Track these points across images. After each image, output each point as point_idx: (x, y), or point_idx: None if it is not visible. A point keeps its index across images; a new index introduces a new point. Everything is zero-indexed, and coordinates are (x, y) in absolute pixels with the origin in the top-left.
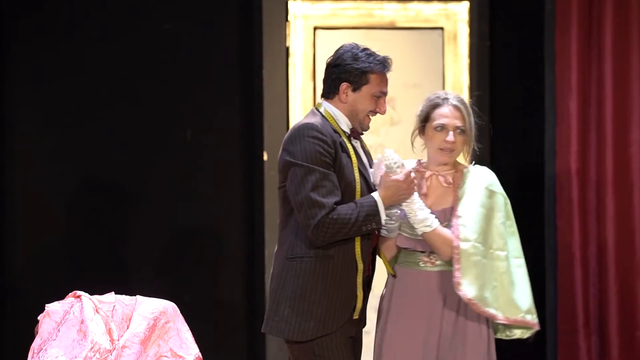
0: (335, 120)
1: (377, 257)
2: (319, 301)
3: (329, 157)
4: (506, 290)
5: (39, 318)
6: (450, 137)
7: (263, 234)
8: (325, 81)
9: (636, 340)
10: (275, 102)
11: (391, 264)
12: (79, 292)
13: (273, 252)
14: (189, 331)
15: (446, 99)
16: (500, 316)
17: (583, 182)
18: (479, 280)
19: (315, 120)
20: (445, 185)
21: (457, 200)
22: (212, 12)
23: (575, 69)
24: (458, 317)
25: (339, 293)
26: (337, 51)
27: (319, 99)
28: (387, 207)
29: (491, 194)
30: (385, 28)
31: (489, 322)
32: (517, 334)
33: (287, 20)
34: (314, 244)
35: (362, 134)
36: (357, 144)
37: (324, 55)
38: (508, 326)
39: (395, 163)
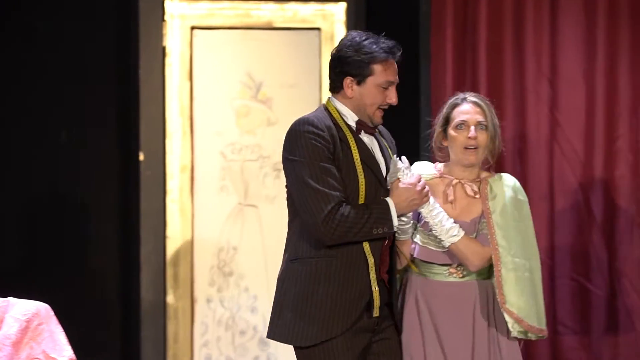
0: (339, 114)
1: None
2: (321, 304)
3: (327, 150)
4: (540, 301)
5: None
6: (472, 132)
7: (139, 234)
8: (329, 75)
9: None
10: (152, 102)
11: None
12: None
13: (149, 252)
14: (63, 333)
15: (465, 97)
16: (543, 328)
17: None
18: (523, 295)
19: (313, 114)
20: (471, 194)
21: (489, 212)
22: (88, 11)
23: (450, 69)
24: (490, 328)
25: (345, 293)
26: (340, 41)
27: (328, 94)
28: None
29: (521, 204)
30: (262, 28)
31: None
32: (532, 337)
33: (163, 20)
34: (324, 241)
35: (376, 128)
36: (371, 140)
37: (201, 55)
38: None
39: (407, 169)
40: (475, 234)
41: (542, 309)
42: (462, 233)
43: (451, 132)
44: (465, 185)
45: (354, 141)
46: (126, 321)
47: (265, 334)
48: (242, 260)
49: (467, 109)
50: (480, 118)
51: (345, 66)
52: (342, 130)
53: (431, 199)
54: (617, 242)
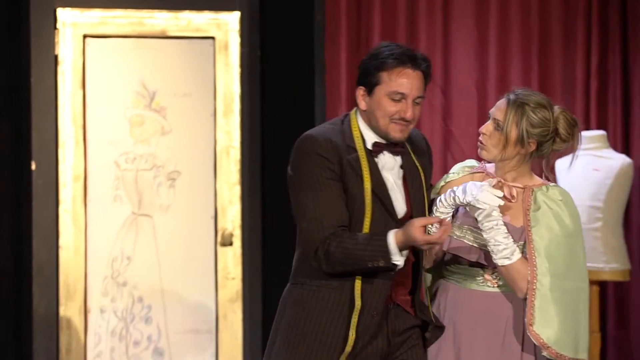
0: (360, 133)
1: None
2: (305, 337)
3: (331, 172)
4: (582, 328)
5: None
6: (485, 126)
7: (31, 244)
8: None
9: None
10: (44, 110)
11: (430, 274)
12: None
13: (41, 262)
14: None
15: (511, 92)
16: (580, 358)
17: None
18: (557, 319)
19: (325, 129)
20: (509, 198)
21: (529, 225)
22: None
23: (345, 79)
24: (523, 354)
25: (330, 332)
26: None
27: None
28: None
29: (570, 219)
30: (156, 37)
31: None
32: None
33: (55, 28)
34: (320, 270)
35: (399, 145)
36: (395, 161)
37: (94, 64)
38: None
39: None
40: (518, 243)
41: (584, 337)
42: (517, 256)
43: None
44: (505, 186)
45: (367, 168)
46: (18, 333)
47: (159, 344)
48: (136, 270)
49: (499, 103)
50: (499, 116)
51: (359, 75)
52: (357, 153)
53: (490, 208)
54: None
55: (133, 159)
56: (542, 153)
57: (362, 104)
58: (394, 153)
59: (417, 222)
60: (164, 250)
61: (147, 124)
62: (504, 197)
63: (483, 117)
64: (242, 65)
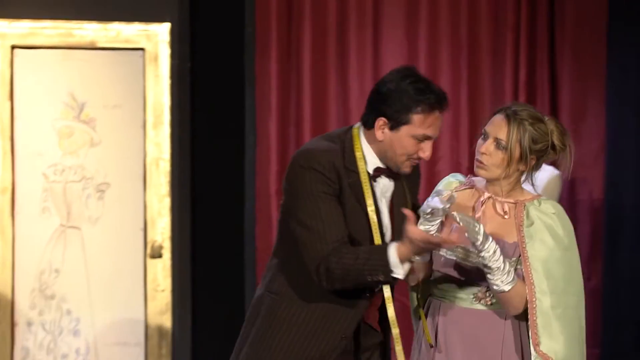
0: (361, 153)
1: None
2: (271, 351)
3: (329, 188)
4: (583, 342)
5: None
6: (485, 146)
7: None
8: (366, 106)
9: None
10: None
11: (419, 295)
12: None
13: None
14: None
15: (506, 108)
16: None
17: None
18: (563, 335)
19: (324, 145)
20: (502, 213)
21: (523, 241)
22: None
23: (275, 91)
24: None
25: (308, 348)
26: (389, 73)
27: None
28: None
29: (564, 232)
30: (85, 48)
31: None
32: None
33: None
34: (322, 286)
35: (396, 172)
36: (389, 185)
37: (23, 75)
38: None
39: (432, 212)
40: (510, 259)
41: (584, 352)
42: (516, 279)
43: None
44: (497, 202)
45: (370, 195)
46: None
47: (88, 357)
48: (65, 283)
49: (495, 118)
50: (500, 135)
51: (381, 104)
52: (357, 175)
53: (485, 236)
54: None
55: (62, 171)
56: (538, 166)
57: (380, 134)
58: (390, 177)
59: (412, 228)
60: (92, 262)
61: (76, 135)
62: (497, 214)
63: None
64: (172, 77)
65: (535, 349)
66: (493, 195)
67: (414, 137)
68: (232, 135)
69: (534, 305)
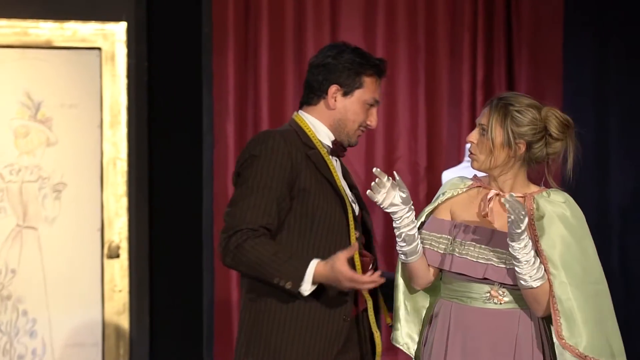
0: (312, 130)
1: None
2: (285, 351)
3: (281, 171)
4: (613, 330)
5: None
6: (471, 135)
7: None
8: (307, 85)
9: None
10: None
11: (428, 294)
12: None
13: None
14: None
15: (494, 97)
16: None
17: None
18: (587, 327)
19: (279, 129)
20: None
21: (536, 234)
22: None
23: (232, 91)
24: None
25: (314, 338)
26: (322, 50)
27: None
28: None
29: (576, 221)
30: (41, 47)
31: None
32: None
33: None
34: (222, 261)
35: (346, 150)
36: (337, 163)
37: None
38: None
39: (377, 182)
40: None
41: (616, 341)
42: (545, 277)
43: None
44: (502, 197)
45: (332, 162)
46: None
47: (44, 358)
48: (21, 283)
49: (484, 109)
50: (483, 121)
51: (332, 73)
52: (316, 149)
53: (520, 230)
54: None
55: (18, 171)
56: (535, 156)
57: (333, 103)
58: (338, 155)
59: (343, 256)
60: (49, 263)
61: (33, 135)
62: (506, 210)
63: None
64: (129, 76)
65: (560, 342)
66: (500, 192)
67: (366, 102)
68: (190, 135)
69: (554, 298)
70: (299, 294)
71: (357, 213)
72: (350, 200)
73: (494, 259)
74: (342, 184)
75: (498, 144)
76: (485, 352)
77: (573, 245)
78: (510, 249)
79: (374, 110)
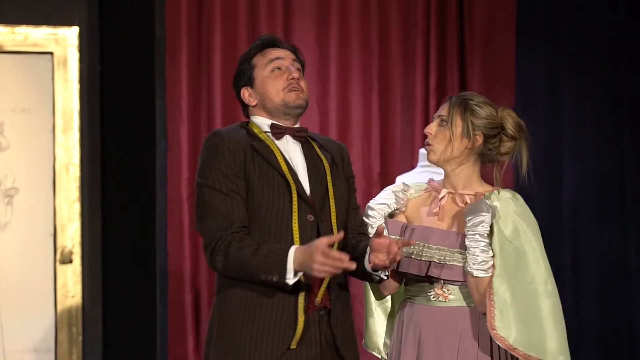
0: (256, 126)
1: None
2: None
3: (236, 168)
4: (548, 328)
5: None
6: (429, 126)
7: None
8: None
9: None
10: None
11: (397, 300)
12: None
13: None
14: None
15: (454, 96)
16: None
17: (192, 209)
18: (519, 320)
19: (224, 129)
20: (463, 205)
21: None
22: None
23: (186, 96)
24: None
25: (270, 326)
26: None
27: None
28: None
29: (522, 219)
30: None
31: None
32: None
33: None
34: (213, 269)
35: (301, 131)
36: (296, 147)
37: None
38: None
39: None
40: (458, 249)
41: (555, 342)
42: (490, 273)
43: None
44: (457, 196)
45: (277, 150)
46: None
47: None
48: None
49: (444, 104)
50: (442, 112)
51: (236, 83)
52: (262, 140)
53: (481, 218)
54: None
55: None
56: (489, 152)
57: (252, 100)
58: (296, 138)
59: (325, 239)
60: (1, 268)
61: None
62: (458, 206)
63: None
64: (81, 81)
65: (492, 333)
66: (452, 190)
67: (269, 70)
68: (143, 140)
69: (492, 289)
70: (287, 285)
71: (307, 195)
72: (299, 184)
73: (436, 256)
74: (297, 169)
75: (457, 134)
76: (430, 348)
77: (517, 241)
78: (466, 229)
79: (285, 70)
